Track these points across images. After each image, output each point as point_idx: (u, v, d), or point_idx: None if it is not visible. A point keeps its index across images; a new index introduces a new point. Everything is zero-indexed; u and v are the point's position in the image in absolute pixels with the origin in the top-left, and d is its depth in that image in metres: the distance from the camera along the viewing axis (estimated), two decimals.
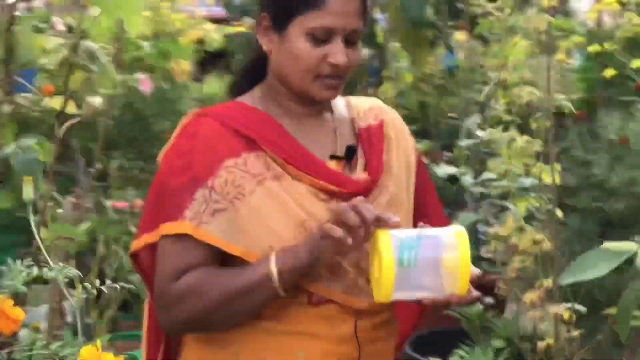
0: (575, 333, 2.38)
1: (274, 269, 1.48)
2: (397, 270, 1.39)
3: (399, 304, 1.62)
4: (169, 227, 1.54)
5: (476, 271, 1.52)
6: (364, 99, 1.79)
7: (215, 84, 5.31)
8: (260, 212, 1.54)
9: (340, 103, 1.72)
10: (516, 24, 2.54)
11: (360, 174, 1.63)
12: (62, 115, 2.35)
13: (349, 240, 1.42)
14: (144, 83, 4.27)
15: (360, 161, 1.65)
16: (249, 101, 1.66)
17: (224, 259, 1.56)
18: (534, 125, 2.47)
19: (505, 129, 2.56)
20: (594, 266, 1.14)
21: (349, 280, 1.56)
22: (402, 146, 1.73)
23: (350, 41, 1.58)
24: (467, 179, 3.61)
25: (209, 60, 5.90)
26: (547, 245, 2.43)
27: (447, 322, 3.44)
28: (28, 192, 1.44)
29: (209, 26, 7.27)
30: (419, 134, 4.80)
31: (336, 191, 1.58)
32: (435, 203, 1.81)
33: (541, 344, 2.54)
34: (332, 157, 1.64)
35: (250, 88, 1.69)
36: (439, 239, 1.44)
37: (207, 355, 1.62)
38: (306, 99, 1.62)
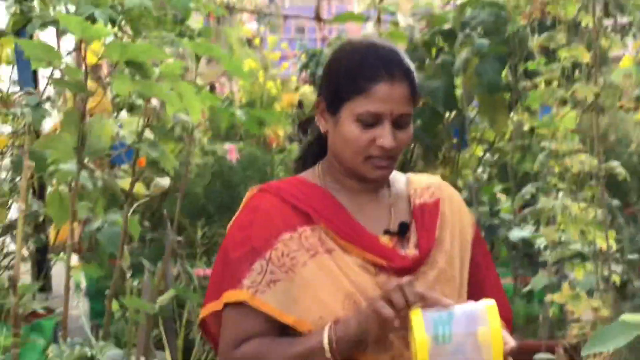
0: None
1: (326, 339, 1.54)
2: (432, 348, 1.44)
3: None
4: (229, 295, 1.62)
5: (512, 342, 1.55)
6: (424, 176, 1.84)
7: None
8: (312, 283, 1.60)
9: (401, 179, 1.78)
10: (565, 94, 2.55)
11: (410, 250, 1.67)
12: (129, 196, 2.50)
13: (396, 321, 1.48)
14: (231, 151, 4.46)
15: (412, 237, 1.69)
16: (309, 177, 1.74)
17: (281, 331, 1.63)
18: (588, 193, 2.47)
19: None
20: (613, 338, 1.15)
21: (395, 351, 1.60)
22: (458, 223, 1.76)
23: (398, 124, 1.65)
24: (542, 242, 3.52)
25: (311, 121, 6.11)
26: (604, 312, 2.44)
27: None
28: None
29: (307, 88, 7.45)
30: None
31: (385, 265, 1.62)
32: (493, 279, 1.82)
33: None
34: (386, 232, 1.69)
35: (313, 164, 1.77)
36: (470, 314, 1.49)
37: None
38: (360, 178, 1.69)
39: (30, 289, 3.82)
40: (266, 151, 5.51)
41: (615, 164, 2.44)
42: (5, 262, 4.06)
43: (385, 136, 1.62)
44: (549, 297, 2.74)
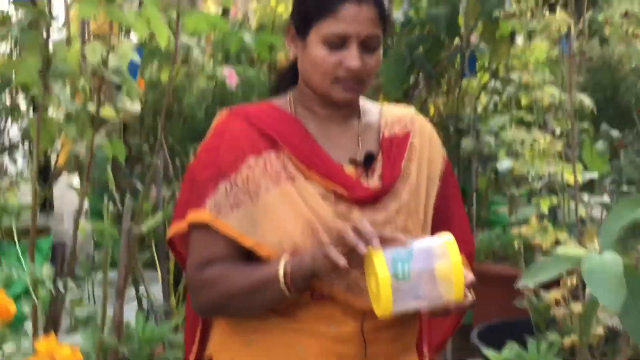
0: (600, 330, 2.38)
1: (281, 270, 1.55)
2: (393, 285, 1.43)
3: None
4: (193, 216, 1.63)
5: (471, 276, 1.55)
6: (398, 108, 1.82)
7: None
8: (273, 209, 1.60)
9: (373, 110, 1.78)
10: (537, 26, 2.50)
11: (374, 181, 1.67)
12: (96, 120, 2.49)
13: (343, 264, 1.47)
14: (230, 76, 4.41)
15: (378, 169, 1.68)
16: (280, 103, 1.73)
17: (246, 257, 1.64)
18: (556, 126, 2.43)
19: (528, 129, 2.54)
20: (545, 270, 1.15)
21: (351, 280, 1.60)
22: (427, 155, 1.75)
23: (367, 47, 1.63)
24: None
25: None
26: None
27: (521, 313, 3.48)
28: None
29: None
30: None
31: (345, 195, 1.62)
32: (460, 215, 1.83)
33: (567, 340, 2.58)
34: (351, 162, 1.68)
35: (286, 90, 1.77)
36: (429, 249, 1.48)
37: (228, 339, 1.72)
38: (329, 102, 1.67)
39: (28, 208, 3.90)
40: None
41: (583, 96, 2.40)
42: (5, 183, 4.09)
43: (352, 58, 1.61)
44: (516, 230, 2.75)
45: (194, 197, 1.64)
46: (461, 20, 4.33)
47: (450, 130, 4.85)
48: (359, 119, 1.73)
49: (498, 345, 3.16)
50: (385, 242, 1.47)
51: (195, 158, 1.71)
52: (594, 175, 3.26)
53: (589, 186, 3.46)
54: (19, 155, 4.63)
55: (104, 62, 2.31)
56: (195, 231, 1.65)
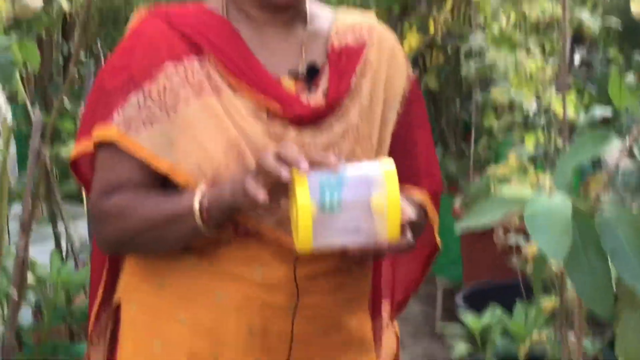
0: None
1: (197, 203, 1.42)
2: (317, 216, 1.33)
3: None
4: (98, 132, 1.51)
5: (411, 213, 1.39)
6: (355, 15, 1.68)
7: None
8: (193, 126, 1.48)
9: (324, 16, 1.64)
10: None
11: (317, 98, 1.53)
12: None
13: (263, 199, 1.33)
14: None
15: (323, 83, 1.55)
16: (212, 4, 1.60)
17: (162, 184, 1.52)
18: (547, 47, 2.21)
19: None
20: (489, 212, 1.12)
21: (282, 215, 1.45)
22: (386, 74, 1.62)
23: None
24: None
25: None
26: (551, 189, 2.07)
27: (512, 275, 3.28)
28: None
29: None
30: None
31: (279, 112, 1.50)
32: (425, 145, 1.69)
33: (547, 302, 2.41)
34: (292, 75, 1.55)
35: None
36: (365, 177, 1.37)
37: (138, 282, 1.61)
38: (266, 3, 1.54)
39: None
40: None
41: (584, 14, 1.95)
42: None
43: None
44: (492, 169, 2.52)
45: (101, 109, 1.53)
46: None
47: (449, 51, 4.58)
48: (304, 26, 1.60)
49: (483, 309, 3.03)
50: (314, 165, 1.33)
51: (106, 64, 1.62)
52: (607, 112, 2.96)
53: (605, 124, 3.10)
54: None
55: None
56: (102, 151, 1.53)
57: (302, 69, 1.56)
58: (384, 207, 1.34)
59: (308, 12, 1.61)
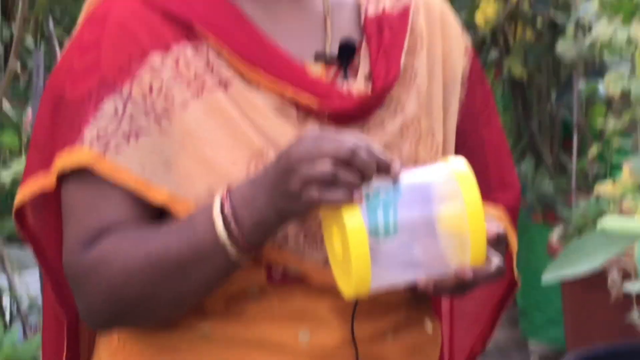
0: None
1: (219, 216, 1.24)
2: (371, 244, 1.19)
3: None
4: (64, 159, 1.34)
5: (496, 228, 1.28)
6: None
7: None
8: (197, 136, 1.33)
9: None
10: None
11: (358, 84, 1.40)
12: None
13: (342, 195, 1.18)
14: None
15: (363, 65, 1.42)
16: None
17: (160, 217, 1.37)
18: None
19: None
20: (589, 254, 0.93)
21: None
22: (440, 48, 1.51)
23: None
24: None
25: None
26: None
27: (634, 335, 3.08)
28: None
29: None
30: None
31: (315, 107, 1.35)
32: (496, 142, 1.57)
33: None
34: (318, 57, 1.41)
35: None
36: (429, 185, 1.25)
37: None
38: None
39: None
40: None
41: None
42: None
43: None
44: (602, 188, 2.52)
45: (62, 128, 1.36)
46: None
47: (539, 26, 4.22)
48: None
49: None
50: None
51: (60, 65, 1.44)
52: None
53: None
54: None
55: None
56: (70, 185, 1.34)
57: (329, 49, 1.44)
58: (462, 221, 1.23)
59: None
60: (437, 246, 1.25)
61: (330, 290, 1.32)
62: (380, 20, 1.46)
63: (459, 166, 1.24)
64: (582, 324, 3.58)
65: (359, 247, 1.19)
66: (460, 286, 1.28)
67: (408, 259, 1.25)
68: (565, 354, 3.53)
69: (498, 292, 1.57)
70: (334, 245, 1.28)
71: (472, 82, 1.52)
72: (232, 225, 1.24)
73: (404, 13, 1.46)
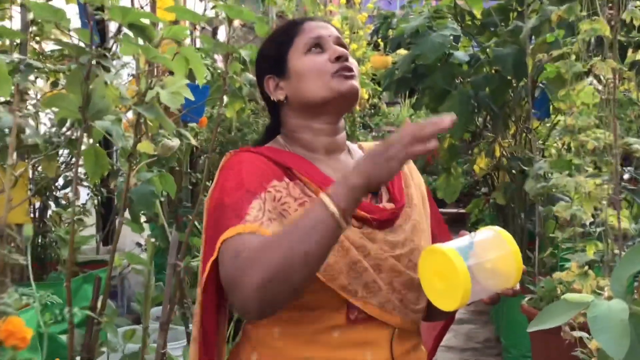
0: None
1: (327, 199, 1.42)
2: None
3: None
4: (229, 231, 1.51)
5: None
6: (373, 143, 1.81)
7: None
8: None
9: (356, 148, 1.84)
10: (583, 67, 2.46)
11: (386, 204, 1.71)
12: (132, 156, 2.52)
13: (433, 145, 1.39)
14: None
15: (384, 194, 1.73)
16: (274, 145, 1.76)
17: None
18: (604, 170, 2.38)
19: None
20: (556, 316, 1.15)
21: (382, 297, 1.59)
22: (416, 181, 1.84)
23: (341, 45, 1.74)
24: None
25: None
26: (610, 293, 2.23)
27: None
28: None
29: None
30: None
31: (367, 217, 1.64)
32: (446, 230, 1.87)
33: None
34: None
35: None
36: (487, 241, 1.50)
37: None
38: (333, 106, 1.69)
39: (85, 240, 4.12)
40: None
41: (632, 140, 2.37)
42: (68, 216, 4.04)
43: (335, 51, 1.69)
44: (557, 275, 2.67)
45: (225, 221, 1.53)
46: (530, 61, 4.29)
47: (514, 173, 4.74)
48: (350, 155, 1.78)
49: None
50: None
51: (215, 191, 1.62)
52: None
53: None
54: (83, 190, 4.69)
55: (144, 98, 2.32)
56: (228, 243, 1.52)
57: None
58: (512, 260, 1.48)
59: (348, 146, 1.80)
60: (492, 277, 1.48)
61: (383, 324, 1.61)
62: None
63: (499, 228, 1.53)
64: (546, 357, 3.77)
65: (464, 272, 1.41)
66: (497, 299, 1.54)
67: (479, 285, 1.46)
68: None
69: (440, 325, 1.92)
70: (432, 280, 1.49)
71: (430, 200, 1.87)
72: (334, 199, 1.42)
73: None
